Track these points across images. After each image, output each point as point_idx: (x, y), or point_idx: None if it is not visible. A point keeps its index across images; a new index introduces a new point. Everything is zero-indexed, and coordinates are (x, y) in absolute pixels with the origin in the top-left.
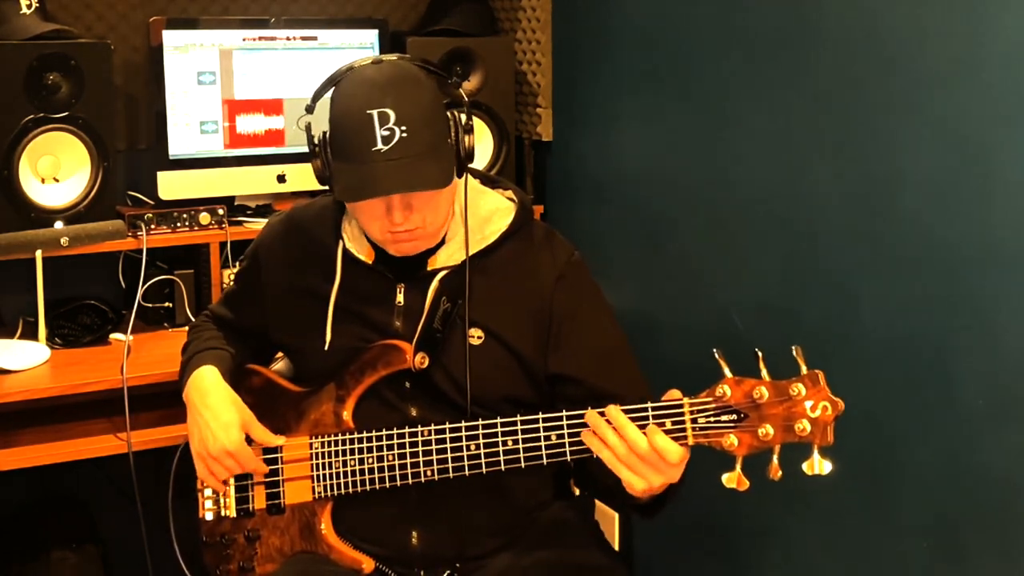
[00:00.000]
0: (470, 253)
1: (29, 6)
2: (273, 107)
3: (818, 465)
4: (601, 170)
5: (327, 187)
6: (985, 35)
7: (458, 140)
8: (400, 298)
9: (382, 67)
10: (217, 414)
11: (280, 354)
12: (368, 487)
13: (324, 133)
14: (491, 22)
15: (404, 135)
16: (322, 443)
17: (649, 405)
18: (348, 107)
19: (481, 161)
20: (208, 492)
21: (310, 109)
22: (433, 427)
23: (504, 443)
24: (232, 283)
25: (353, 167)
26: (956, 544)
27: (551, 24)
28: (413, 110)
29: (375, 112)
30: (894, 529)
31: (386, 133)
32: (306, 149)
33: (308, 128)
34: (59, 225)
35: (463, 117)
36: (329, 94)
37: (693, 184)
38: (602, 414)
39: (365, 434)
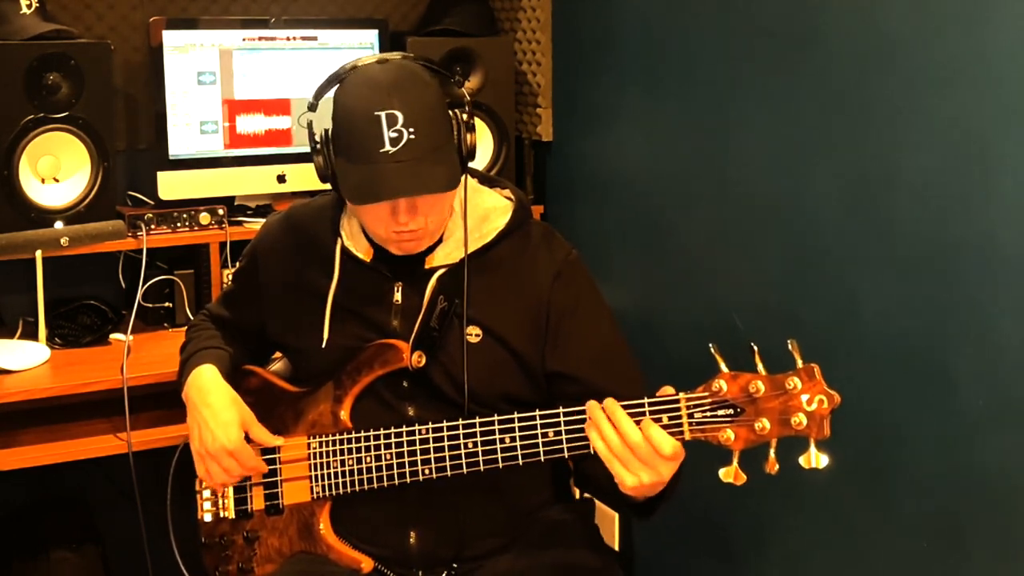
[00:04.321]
0: (468, 251)
1: (29, 6)
2: (273, 107)
3: (815, 459)
4: (601, 170)
5: (328, 185)
6: (985, 35)
7: (460, 139)
8: (398, 296)
9: (387, 67)
10: (216, 412)
11: (278, 354)
12: (366, 487)
13: (326, 131)
14: (491, 22)
15: (412, 137)
16: (320, 443)
17: (645, 400)
18: (355, 107)
19: (481, 161)
20: (207, 493)
21: (313, 107)
22: (431, 426)
23: (501, 441)
24: (230, 283)
25: (360, 168)
26: (956, 544)
27: (551, 24)
28: (420, 111)
29: (383, 114)
30: (894, 529)
31: (394, 135)
32: (307, 149)
33: (310, 126)
34: (59, 225)
35: (464, 116)
36: (332, 92)
37: (693, 184)
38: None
39: (363, 433)
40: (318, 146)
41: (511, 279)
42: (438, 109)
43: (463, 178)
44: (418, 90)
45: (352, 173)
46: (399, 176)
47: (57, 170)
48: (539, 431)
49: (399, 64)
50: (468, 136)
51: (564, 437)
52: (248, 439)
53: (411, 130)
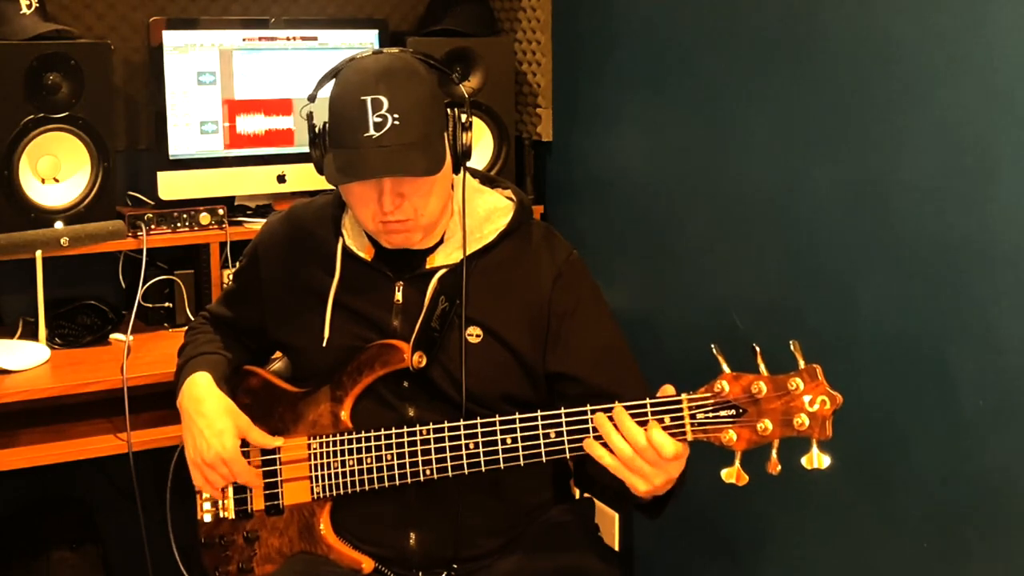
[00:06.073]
0: (468, 252)
1: (29, 6)
2: (273, 107)
3: (817, 459)
4: (601, 170)
5: (327, 181)
6: (985, 35)
7: (456, 137)
8: (399, 296)
9: (380, 57)
10: (211, 422)
11: (278, 354)
12: (366, 487)
13: (324, 123)
14: (491, 22)
15: (396, 123)
16: (320, 443)
17: (648, 401)
18: (343, 93)
19: (481, 161)
20: (207, 494)
21: (312, 98)
22: (431, 426)
23: (503, 441)
24: (231, 282)
25: (344, 151)
26: (956, 544)
27: (551, 24)
28: (407, 100)
29: (368, 98)
30: (894, 529)
31: (378, 120)
32: (307, 149)
33: (310, 117)
34: (59, 225)
35: (463, 116)
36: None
37: (693, 184)
38: (607, 411)
39: (363, 434)
40: (316, 139)
41: (512, 280)
42: (429, 102)
43: (463, 177)
44: (408, 80)
45: (338, 157)
46: (379, 158)
47: (57, 170)
48: (540, 431)
49: (394, 56)
50: (464, 135)
51: (566, 437)
52: (247, 444)
53: (396, 116)
